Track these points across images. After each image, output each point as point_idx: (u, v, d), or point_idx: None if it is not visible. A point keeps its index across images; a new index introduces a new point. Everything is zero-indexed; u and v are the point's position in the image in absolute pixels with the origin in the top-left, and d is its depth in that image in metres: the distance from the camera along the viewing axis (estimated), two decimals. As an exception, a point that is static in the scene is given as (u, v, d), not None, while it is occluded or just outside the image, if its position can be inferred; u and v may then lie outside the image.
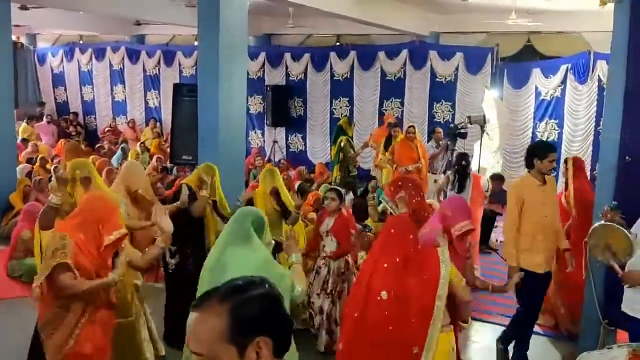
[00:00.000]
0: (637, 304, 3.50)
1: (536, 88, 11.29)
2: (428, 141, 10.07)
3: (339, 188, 5.63)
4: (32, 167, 9.74)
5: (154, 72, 15.16)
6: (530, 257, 4.48)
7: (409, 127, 9.08)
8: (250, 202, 5.25)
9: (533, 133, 11.37)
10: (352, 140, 10.06)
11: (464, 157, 7.11)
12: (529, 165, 4.63)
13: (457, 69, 11.77)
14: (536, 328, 5.65)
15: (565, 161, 5.94)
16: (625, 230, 3.54)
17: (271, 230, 4.93)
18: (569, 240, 4.90)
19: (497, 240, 8.69)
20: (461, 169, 6.92)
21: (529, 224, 4.47)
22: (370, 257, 3.45)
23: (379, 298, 3.15)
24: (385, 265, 3.24)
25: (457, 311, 3.35)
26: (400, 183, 4.89)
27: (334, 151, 10.03)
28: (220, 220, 5.19)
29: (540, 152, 4.59)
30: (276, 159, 12.95)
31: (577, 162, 5.82)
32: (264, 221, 3.16)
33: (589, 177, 10.37)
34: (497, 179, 7.82)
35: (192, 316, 1.32)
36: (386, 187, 5.20)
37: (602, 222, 3.71)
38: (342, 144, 9.68)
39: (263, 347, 1.28)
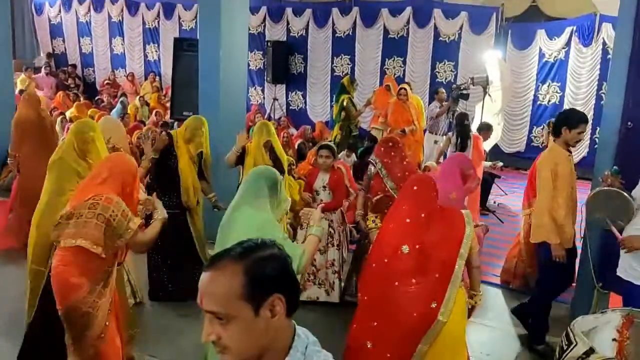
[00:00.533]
0: (632, 269, 3.53)
1: (540, 50, 11.17)
2: (430, 102, 10.03)
3: (331, 145, 5.61)
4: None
5: (154, 25, 14.93)
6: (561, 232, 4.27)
7: (401, 88, 8.99)
8: (242, 154, 5.27)
9: (535, 96, 11.31)
10: (353, 100, 9.99)
11: (464, 117, 7.10)
12: (556, 133, 4.34)
13: (461, 28, 11.61)
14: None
15: (548, 124, 5.97)
16: (626, 195, 3.54)
17: None
18: None
19: (494, 202, 8.77)
20: (462, 130, 6.92)
21: (560, 197, 4.22)
22: (394, 212, 3.43)
23: (399, 252, 3.18)
24: (408, 220, 3.27)
25: (469, 277, 3.44)
26: (391, 143, 4.96)
27: (335, 110, 9.96)
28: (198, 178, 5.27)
29: (571, 122, 4.23)
30: (276, 117, 12.90)
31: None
32: (278, 180, 3.11)
33: (589, 141, 10.55)
34: (486, 129, 7.69)
35: (206, 276, 1.34)
36: (377, 147, 5.15)
37: (602, 187, 3.71)
38: (344, 103, 9.62)
39: (278, 304, 1.31)
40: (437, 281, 3.14)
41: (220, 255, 1.37)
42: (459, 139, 6.88)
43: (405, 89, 9.03)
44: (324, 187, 5.24)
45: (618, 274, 3.62)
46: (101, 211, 3.09)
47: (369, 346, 3.19)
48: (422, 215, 3.25)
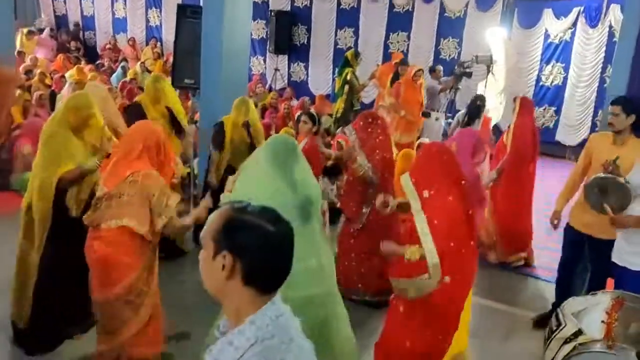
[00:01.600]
0: (626, 254, 3.55)
1: (546, 30, 11.07)
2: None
3: (313, 112, 5.56)
4: (28, 79, 9.63)
5: (156, -11, 14.76)
6: (580, 215, 4.24)
7: (417, 70, 8.85)
8: (221, 128, 5.30)
9: (538, 76, 11.25)
10: (355, 74, 9.91)
11: (481, 99, 7.05)
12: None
13: (467, 5, 11.50)
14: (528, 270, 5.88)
15: (514, 99, 6.04)
16: (625, 184, 3.51)
17: (236, 160, 5.14)
18: (502, 174, 5.64)
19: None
20: (475, 110, 6.89)
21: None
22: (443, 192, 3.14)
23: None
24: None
25: None
26: (371, 119, 4.97)
27: (338, 83, 9.89)
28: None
29: None
30: (277, 87, 12.83)
31: (524, 102, 5.98)
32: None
33: (590, 124, 10.54)
34: None
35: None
36: (356, 120, 5.11)
37: (601, 174, 3.69)
38: (348, 77, 9.54)
39: (227, 262, 1.40)
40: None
41: (227, 202, 1.54)
42: (467, 117, 6.85)
43: (422, 70, 8.87)
44: None
45: (613, 259, 3.63)
46: (142, 188, 3.02)
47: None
48: (463, 182, 3.19)
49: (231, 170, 5.31)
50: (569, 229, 4.41)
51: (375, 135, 4.87)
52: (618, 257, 3.61)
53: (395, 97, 8.63)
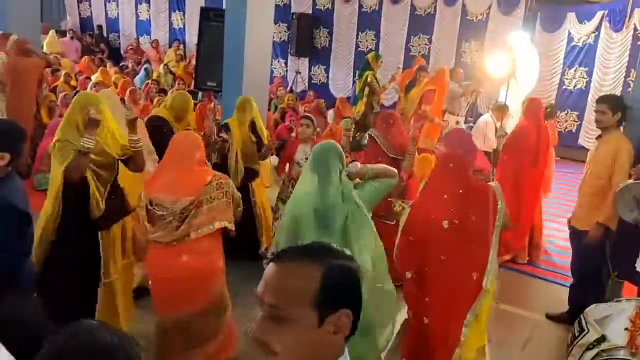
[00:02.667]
0: None
1: (569, 33, 10.97)
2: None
3: (311, 115, 5.56)
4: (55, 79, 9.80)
5: (180, -8, 14.93)
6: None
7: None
8: (228, 129, 5.33)
9: (561, 80, 11.14)
10: (376, 76, 9.90)
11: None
12: None
13: (489, 7, 11.44)
14: (542, 274, 5.83)
15: (523, 102, 6.21)
16: None
17: (247, 160, 5.27)
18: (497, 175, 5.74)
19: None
20: None
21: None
22: (428, 188, 3.47)
23: (440, 227, 3.22)
24: (446, 196, 3.28)
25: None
26: (391, 120, 5.21)
27: (358, 86, 9.88)
28: None
29: None
30: (298, 90, 12.88)
31: (530, 104, 5.98)
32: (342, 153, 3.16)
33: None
34: (500, 109, 7.67)
35: (277, 268, 1.22)
36: (378, 123, 5.37)
37: (631, 180, 3.63)
38: (368, 79, 9.53)
39: (344, 320, 1.20)
40: (477, 254, 3.21)
41: (296, 251, 1.26)
42: None
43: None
44: (306, 158, 5.22)
45: (638, 268, 3.58)
46: (227, 189, 3.16)
47: (425, 322, 3.30)
48: (460, 191, 3.27)
49: (250, 171, 5.38)
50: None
51: (399, 133, 5.13)
52: None
53: (429, 104, 8.39)
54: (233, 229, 3.20)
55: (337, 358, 1.22)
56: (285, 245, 2.50)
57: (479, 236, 3.23)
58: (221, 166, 5.14)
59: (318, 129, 5.59)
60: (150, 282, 3.32)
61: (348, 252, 1.29)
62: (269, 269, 1.23)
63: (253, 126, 5.34)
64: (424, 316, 3.30)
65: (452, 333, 3.21)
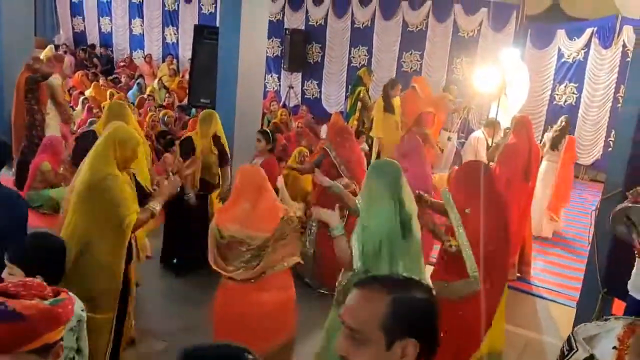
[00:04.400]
0: None
1: (559, 50, 11.10)
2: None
3: (267, 130, 5.69)
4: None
5: (173, 7, 15.00)
6: None
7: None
8: (190, 143, 5.39)
9: (551, 96, 11.25)
10: (368, 92, 9.96)
11: None
12: None
13: (480, 24, 11.56)
14: (534, 291, 5.86)
15: (512, 119, 6.29)
16: None
17: (206, 172, 5.35)
18: None
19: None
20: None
21: None
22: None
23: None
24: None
25: None
26: (346, 135, 5.53)
27: (350, 101, 9.94)
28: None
29: None
30: (291, 105, 12.94)
31: (519, 121, 6.07)
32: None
33: (603, 144, 10.51)
34: (491, 125, 7.77)
35: (356, 293, 1.35)
36: (332, 136, 5.64)
37: (628, 203, 3.60)
38: (361, 94, 9.57)
39: (410, 348, 1.29)
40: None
41: (375, 279, 1.41)
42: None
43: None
44: None
45: (631, 293, 3.59)
46: (295, 223, 3.22)
47: None
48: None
49: (205, 184, 5.46)
50: None
51: (351, 149, 5.39)
52: (637, 291, 3.55)
53: (429, 127, 8.26)
54: (299, 260, 3.27)
55: None
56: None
57: None
58: None
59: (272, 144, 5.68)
60: (215, 321, 3.26)
61: (429, 286, 1.38)
62: (352, 293, 1.36)
63: (217, 140, 5.44)
64: None
65: None
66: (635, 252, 3.51)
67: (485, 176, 3.50)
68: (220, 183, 5.53)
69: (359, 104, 9.68)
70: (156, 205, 3.34)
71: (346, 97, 12.85)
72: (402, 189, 3.14)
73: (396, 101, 8.29)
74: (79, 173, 3.31)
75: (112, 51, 16.08)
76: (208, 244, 3.20)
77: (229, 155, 5.56)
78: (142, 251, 5.05)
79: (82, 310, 2.33)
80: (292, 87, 13.37)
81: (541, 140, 8.02)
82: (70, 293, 1.78)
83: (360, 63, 12.78)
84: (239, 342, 2.64)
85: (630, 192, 3.66)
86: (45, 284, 1.72)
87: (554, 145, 7.38)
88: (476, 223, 3.38)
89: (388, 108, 8.13)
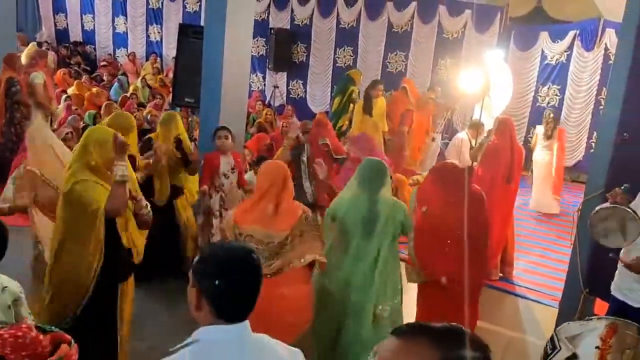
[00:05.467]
0: (631, 291, 3.52)
1: (542, 52, 11.21)
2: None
3: (228, 127, 5.66)
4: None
5: (157, 5, 14.89)
6: None
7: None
8: (149, 144, 5.28)
9: (534, 97, 11.36)
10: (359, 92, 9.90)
11: None
12: None
13: (465, 26, 11.63)
14: (516, 290, 5.90)
15: (495, 120, 6.31)
16: (632, 213, 3.42)
17: (171, 176, 5.29)
18: None
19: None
20: None
21: None
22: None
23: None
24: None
25: None
26: (323, 122, 5.85)
27: (338, 101, 9.77)
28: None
29: None
30: (276, 104, 12.92)
31: (501, 123, 6.09)
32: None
33: (585, 145, 10.62)
34: (475, 127, 7.79)
35: (396, 343, 1.16)
36: (313, 126, 5.92)
37: (608, 204, 3.61)
38: (352, 95, 9.44)
39: None
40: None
41: (419, 329, 1.19)
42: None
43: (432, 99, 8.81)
44: (232, 169, 5.36)
45: (613, 293, 3.62)
46: (312, 220, 3.25)
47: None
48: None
49: (174, 188, 5.33)
50: None
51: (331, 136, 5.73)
52: (619, 291, 3.58)
53: (409, 125, 8.27)
54: (325, 260, 3.28)
55: None
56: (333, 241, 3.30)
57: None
58: (145, 186, 4.76)
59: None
60: None
61: (482, 343, 1.19)
62: (389, 340, 1.17)
63: (179, 142, 5.28)
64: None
65: None
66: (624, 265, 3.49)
67: (461, 177, 3.72)
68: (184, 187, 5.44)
69: (351, 104, 9.56)
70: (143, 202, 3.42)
71: (331, 97, 12.84)
72: (382, 187, 3.40)
73: (380, 102, 8.25)
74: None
75: (95, 49, 15.94)
76: (223, 237, 3.30)
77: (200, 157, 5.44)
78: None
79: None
80: (278, 87, 13.35)
81: (523, 141, 8.13)
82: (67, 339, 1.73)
83: (345, 63, 12.80)
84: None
85: (610, 194, 3.69)
86: (41, 335, 1.62)
87: (547, 134, 8.11)
88: (434, 219, 3.72)
89: (367, 109, 8.11)
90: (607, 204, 3.60)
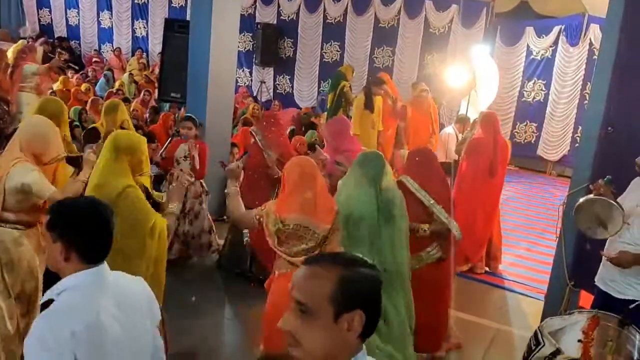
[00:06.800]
0: (612, 282, 3.54)
1: (528, 47, 11.27)
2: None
3: (193, 117, 5.68)
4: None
5: (143, 0, 14.78)
6: None
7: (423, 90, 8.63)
8: (96, 133, 5.27)
9: (520, 92, 11.43)
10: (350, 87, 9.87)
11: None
12: None
13: (451, 21, 11.67)
14: (502, 283, 5.95)
15: (479, 115, 6.33)
16: (616, 204, 3.47)
17: None
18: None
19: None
20: None
21: None
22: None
23: None
24: None
25: None
26: (273, 120, 5.58)
27: (332, 97, 9.63)
28: None
29: None
30: (263, 99, 12.89)
31: (485, 117, 6.12)
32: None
33: (570, 140, 10.71)
34: (462, 122, 7.78)
35: (304, 268, 1.42)
36: (259, 121, 6.00)
37: (591, 195, 3.65)
38: (344, 89, 9.38)
39: (357, 320, 1.35)
40: None
41: (324, 256, 1.49)
42: None
43: (427, 91, 8.36)
44: (185, 157, 5.45)
45: (596, 283, 3.64)
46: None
47: None
48: None
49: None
50: None
51: (278, 135, 5.43)
52: (603, 282, 3.61)
53: (402, 120, 8.13)
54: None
55: (353, 355, 1.39)
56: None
57: None
58: None
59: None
60: (274, 312, 3.17)
61: (373, 264, 1.48)
62: (300, 270, 1.43)
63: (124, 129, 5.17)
64: None
65: None
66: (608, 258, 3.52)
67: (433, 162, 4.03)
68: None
69: (343, 99, 9.49)
70: (174, 208, 3.45)
71: (318, 92, 12.88)
72: (382, 178, 3.45)
73: (379, 100, 8.21)
74: (90, 186, 3.25)
75: (79, 44, 15.79)
76: (266, 231, 3.17)
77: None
78: None
79: None
80: (264, 82, 13.31)
81: (509, 136, 8.07)
82: None
83: (332, 58, 12.80)
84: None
85: (593, 185, 3.72)
86: None
87: None
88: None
89: (368, 105, 8.06)
90: (590, 196, 3.64)
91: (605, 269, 3.62)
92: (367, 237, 3.36)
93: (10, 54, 8.28)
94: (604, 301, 3.54)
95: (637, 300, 3.39)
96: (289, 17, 13.32)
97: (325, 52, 13.05)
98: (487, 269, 6.16)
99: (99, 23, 15.54)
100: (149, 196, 3.39)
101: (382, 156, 3.63)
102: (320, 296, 1.35)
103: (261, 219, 3.15)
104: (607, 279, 3.59)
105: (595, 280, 3.66)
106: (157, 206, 3.44)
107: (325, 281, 1.36)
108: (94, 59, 14.49)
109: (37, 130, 3.45)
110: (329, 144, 5.47)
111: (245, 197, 5.10)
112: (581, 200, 3.72)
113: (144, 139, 3.43)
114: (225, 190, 3.44)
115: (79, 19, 15.76)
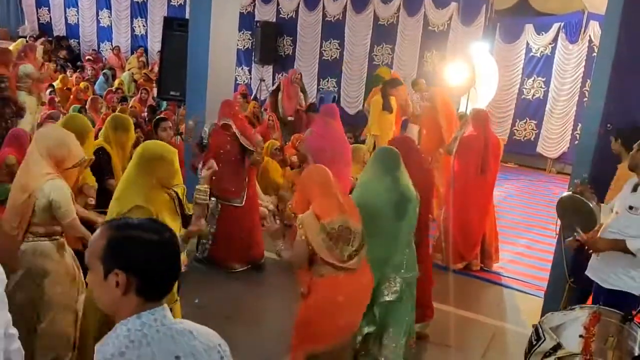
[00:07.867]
0: (598, 271, 3.62)
1: (527, 44, 11.26)
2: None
3: (166, 117, 5.80)
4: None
5: (142, -2, 14.79)
6: None
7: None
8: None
9: (520, 89, 11.42)
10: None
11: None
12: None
13: (450, 18, 11.65)
14: (499, 280, 5.96)
15: (470, 112, 6.40)
16: (590, 204, 3.58)
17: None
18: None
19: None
20: None
21: None
22: None
23: None
24: None
25: None
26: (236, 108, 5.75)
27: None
28: None
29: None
30: (262, 98, 12.87)
31: (476, 114, 6.14)
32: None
33: (570, 137, 10.71)
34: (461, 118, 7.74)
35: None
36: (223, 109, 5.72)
37: (569, 193, 3.76)
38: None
39: (122, 279, 1.48)
40: None
41: (110, 220, 1.71)
42: None
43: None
44: None
45: (587, 273, 3.71)
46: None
47: None
48: None
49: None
50: None
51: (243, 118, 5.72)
52: (592, 272, 3.68)
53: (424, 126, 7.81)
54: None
55: (135, 312, 1.50)
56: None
57: None
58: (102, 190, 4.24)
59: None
60: (313, 314, 3.20)
61: (166, 231, 1.57)
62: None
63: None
64: None
65: None
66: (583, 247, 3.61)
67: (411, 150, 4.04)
68: None
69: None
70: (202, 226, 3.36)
71: (318, 90, 12.90)
72: (400, 174, 3.55)
73: (393, 101, 8.20)
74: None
75: (79, 43, 15.78)
76: (315, 243, 3.05)
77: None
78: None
79: None
80: (264, 80, 13.30)
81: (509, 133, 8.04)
82: None
83: (332, 56, 12.79)
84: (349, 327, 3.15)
85: (580, 181, 3.79)
86: None
87: None
88: None
89: (386, 106, 8.06)
90: (566, 193, 3.73)
91: (593, 258, 3.71)
92: (383, 230, 3.44)
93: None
94: (598, 291, 3.59)
95: (620, 289, 3.47)
96: (288, 15, 13.31)
97: (325, 50, 13.04)
98: (482, 265, 6.15)
99: (98, 22, 15.53)
100: (182, 208, 3.24)
101: (396, 151, 3.69)
102: (94, 254, 1.51)
103: (303, 237, 3.07)
104: (597, 271, 3.66)
105: (586, 271, 3.72)
106: (188, 219, 3.29)
107: (98, 240, 1.52)
108: (87, 57, 14.47)
109: (55, 135, 3.37)
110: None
111: (219, 187, 5.19)
112: (557, 199, 3.83)
113: (175, 150, 3.21)
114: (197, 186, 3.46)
115: (78, 18, 15.74)
